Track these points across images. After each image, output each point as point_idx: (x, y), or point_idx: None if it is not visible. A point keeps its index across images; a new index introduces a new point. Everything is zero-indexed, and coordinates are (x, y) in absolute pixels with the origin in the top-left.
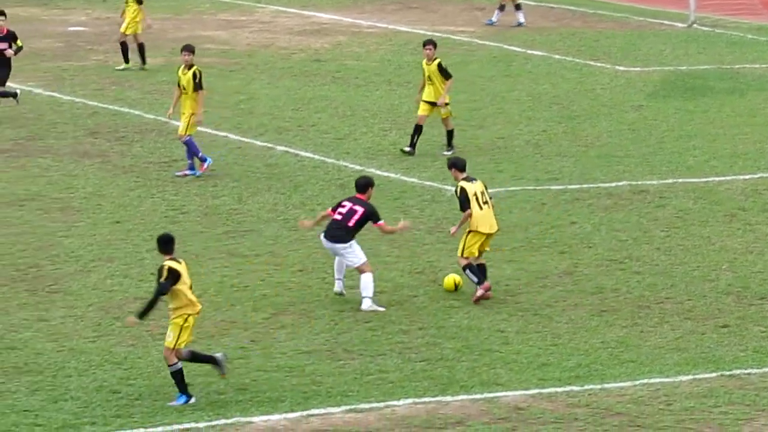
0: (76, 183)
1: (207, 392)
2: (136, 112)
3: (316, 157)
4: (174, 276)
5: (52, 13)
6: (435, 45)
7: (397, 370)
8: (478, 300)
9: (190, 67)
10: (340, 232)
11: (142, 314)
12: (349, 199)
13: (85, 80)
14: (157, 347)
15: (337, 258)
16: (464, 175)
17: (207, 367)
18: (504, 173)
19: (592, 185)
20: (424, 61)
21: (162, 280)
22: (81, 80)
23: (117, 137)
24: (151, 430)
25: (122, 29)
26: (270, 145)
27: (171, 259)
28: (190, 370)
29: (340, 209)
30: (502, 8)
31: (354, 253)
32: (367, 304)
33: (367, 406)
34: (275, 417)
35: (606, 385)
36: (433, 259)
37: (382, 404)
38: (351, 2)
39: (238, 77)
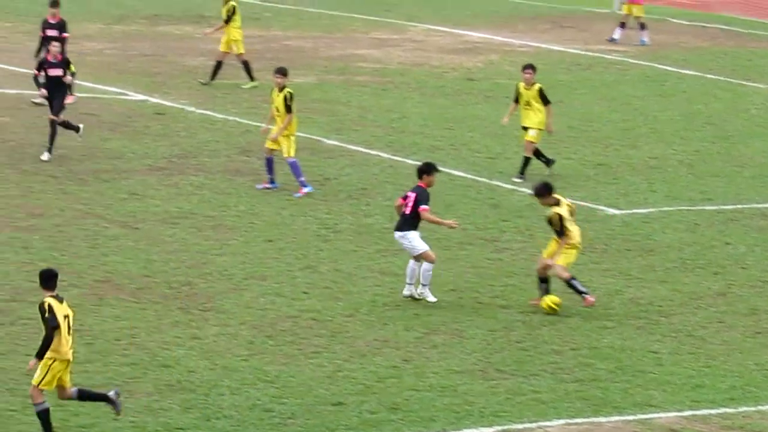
0: (228, 201)
1: (360, 411)
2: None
3: (469, 176)
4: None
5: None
6: (535, 69)
7: (550, 390)
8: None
9: (281, 89)
10: (400, 221)
11: (40, 354)
12: (412, 189)
13: (237, 99)
14: (309, 366)
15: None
16: (552, 199)
17: (359, 386)
18: (657, 193)
19: (746, 206)
20: (522, 85)
21: (47, 315)
22: (234, 99)
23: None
24: None
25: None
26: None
27: (52, 296)
28: (340, 389)
29: (406, 200)
30: (623, 26)
31: (411, 241)
32: (421, 291)
33: (519, 426)
34: None
35: (761, 407)
36: (585, 279)
37: (534, 425)
38: (503, 21)
39: (390, 96)
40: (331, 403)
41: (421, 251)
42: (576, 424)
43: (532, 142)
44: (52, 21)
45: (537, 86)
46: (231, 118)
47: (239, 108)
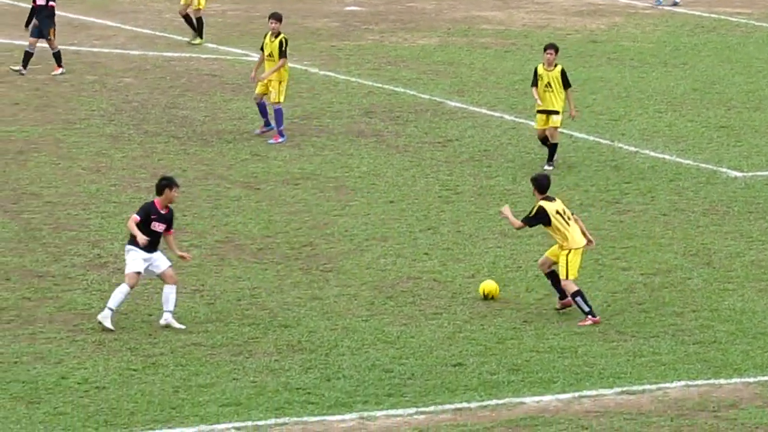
0: (351, 162)
1: (479, 372)
2: (411, 92)
3: (591, 138)
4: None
5: None
6: (557, 50)
7: (670, 352)
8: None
9: (276, 35)
10: None
11: None
12: None
13: (360, 60)
14: (430, 327)
15: None
16: (544, 195)
17: (479, 347)
18: None
19: None
20: (543, 66)
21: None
22: (356, 60)
23: (392, 117)
24: (422, 409)
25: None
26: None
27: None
28: (460, 350)
29: None
30: None
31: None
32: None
33: (639, 387)
34: (547, 398)
35: None
36: (707, 242)
37: (654, 386)
38: None
39: (513, 58)
40: (450, 364)
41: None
42: (696, 385)
43: (557, 128)
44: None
45: (559, 67)
46: (353, 79)
47: (362, 69)
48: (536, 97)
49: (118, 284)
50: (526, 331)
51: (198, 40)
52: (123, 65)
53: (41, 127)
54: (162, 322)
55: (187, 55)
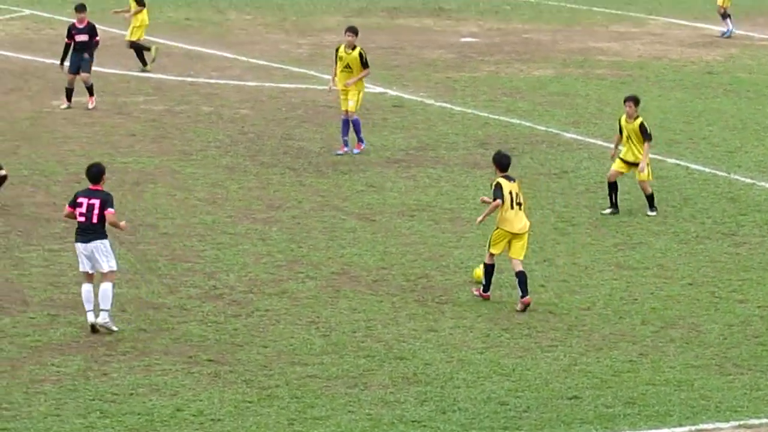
0: (466, 194)
1: (595, 405)
2: (527, 124)
3: (707, 170)
4: None
5: (444, 24)
6: (638, 102)
7: None
8: (480, 295)
9: (353, 47)
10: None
11: None
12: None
13: (476, 91)
14: (545, 359)
15: None
16: (504, 173)
17: (595, 380)
18: None
19: None
20: (624, 119)
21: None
22: (472, 91)
23: (507, 148)
24: None
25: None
26: (660, 157)
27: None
28: (576, 383)
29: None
30: (725, 16)
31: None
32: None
33: (757, 421)
34: (663, 431)
35: None
36: None
37: None
38: (743, 15)
39: (629, 89)
40: (566, 396)
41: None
42: None
43: (645, 182)
44: (80, 26)
45: (639, 120)
46: (469, 110)
47: (477, 100)
48: (613, 149)
49: (234, 316)
50: (642, 364)
51: (148, 66)
52: (239, 96)
53: (158, 158)
54: (99, 321)
55: (303, 86)
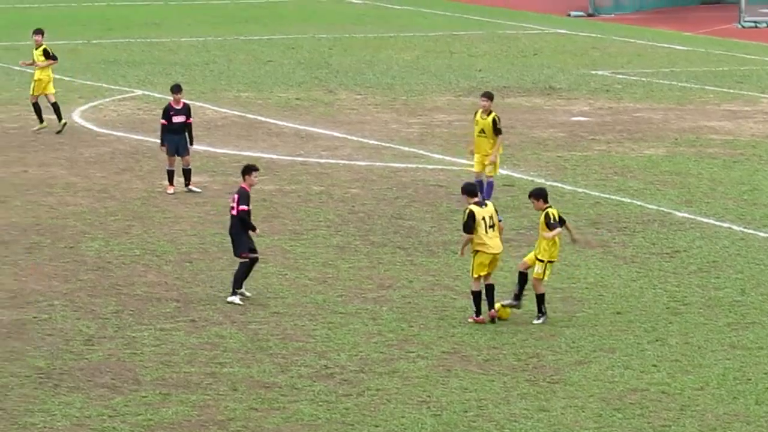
0: (577, 273)
1: None
2: (638, 203)
3: None
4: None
5: (555, 103)
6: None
7: None
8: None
9: (489, 113)
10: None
11: None
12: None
13: (587, 170)
14: None
15: None
16: (475, 200)
17: None
18: None
19: None
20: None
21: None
22: (583, 170)
23: (619, 228)
24: None
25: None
26: None
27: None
28: None
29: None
30: None
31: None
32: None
33: None
34: None
35: None
36: None
37: None
38: None
39: (741, 168)
40: None
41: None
42: None
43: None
44: (176, 107)
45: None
46: (580, 190)
47: (588, 180)
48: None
49: (345, 395)
50: None
51: (60, 125)
52: (349, 176)
53: (268, 238)
54: None
55: (414, 166)
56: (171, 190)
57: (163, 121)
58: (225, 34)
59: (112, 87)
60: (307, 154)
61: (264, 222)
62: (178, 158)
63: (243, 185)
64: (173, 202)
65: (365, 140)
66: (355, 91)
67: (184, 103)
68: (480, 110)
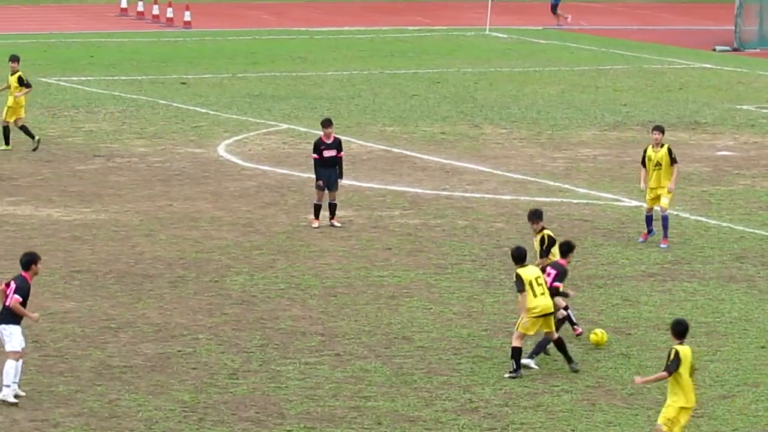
0: (722, 307)
1: None
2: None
3: None
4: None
5: (699, 138)
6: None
7: None
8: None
9: (661, 145)
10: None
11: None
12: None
13: (732, 205)
14: None
15: None
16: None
17: None
18: None
19: None
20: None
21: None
22: (728, 205)
23: (764, 262)
24: None
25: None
26: None
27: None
28: None
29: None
30: None
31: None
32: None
33: None
34: None
35: None
36: None
37: None
38: None
39: None
40: None
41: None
42: None
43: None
44: (327, 141)
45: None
46: (725, 224)
47: (733, 214)
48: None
49: (489, 429)
50: None
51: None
52: (494, 210)
53: (413, 271)
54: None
55: (558, 200)
56: (316, 224)
57: (315, 155)
58: (370, 68)
59: (258, 121)
60: (452, 189)
61: (409, 256)
62: (325, 192)
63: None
64: (318, 236)
65: (510, 174)
66: (500, 125)
67: (335, 137)
68: (651, 145)
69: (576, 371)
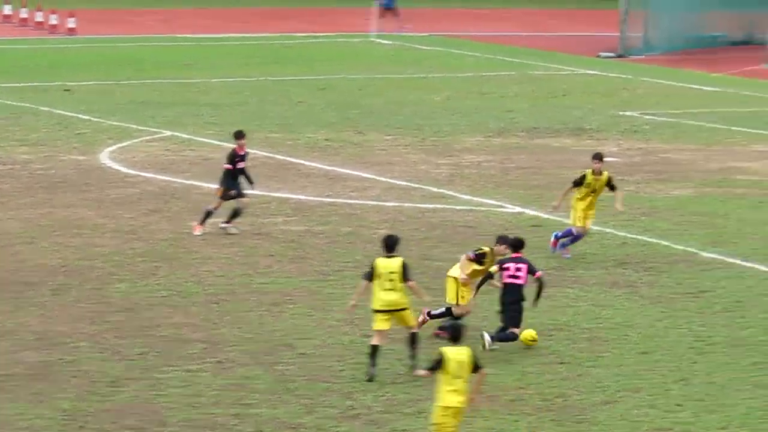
0: (604, 313)
1: None
2: (665, 243)
3: None
4: None
5: (584, 144)
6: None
7: None
8: None
9: (601, 173)
10: None
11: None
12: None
13: (614, 211)
14: None
15: None
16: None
17: None
18: None
19: None
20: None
21: None
22: (611, 210)
23: (645, 268)
24: None
25: None
26: None
27: None
28: None
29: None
30: None
31: None
32: None
33: None
34: None
35: None
36: None
37: None
38: None
39: None
40: None
41: None
42: None
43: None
44: (241, 153)
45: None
46: (608, 230)
47: (616, 220)
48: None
49: None
50: None
51: None
52: (378, 217)
53: (296, 278)
54: None
55: (441, 206)
56: (199, 231)
57: (229, 166)
58: (256, 75)
59: (142, 128)
60: (335, 195)
61: (292, 263)
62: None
63: None
64: (201, 244)
65: (394, 181)
66: (385, 132)
67: (247, 150)
68: (591, 170)
69: (370, 379)
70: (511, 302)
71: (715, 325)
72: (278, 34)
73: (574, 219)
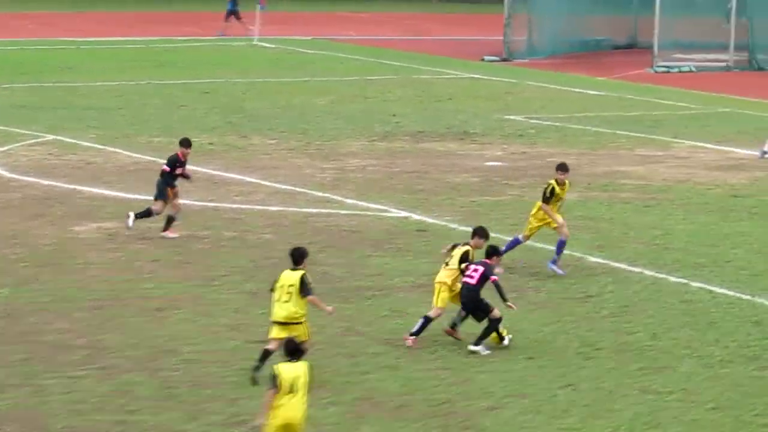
0: None
1: None
2: (551, 248)
3: (731, 293)
4: None
5: (469, 148)
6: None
7: None
8: None
9: (563, 183)
10: None
11: None
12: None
13: (500, 215)
14: None
15: None
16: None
17: None
18: None
19: None
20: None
21: None
22: (497, 215)
23: (532, 272)
24: None
25: None
26: (685, 281)
27: None
28: None
29: None
30: None
31: None
32: None
33: None
34: None
35: None
36: None
37: None
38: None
39: (653, 213)
40: None
41: None
42: None
43: None
44: (183, 159)
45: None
46: (494, 234)
47: (502, 225)
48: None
49: None
50: None
51: None
52: (262, 221)
53: (180, 283)
54: None
55: (326, 211)
56: (174, 234)
57: (167, 168)
58: (139, 79)
59: (23, 132)
60: (219, 200)
61: (176, 268)
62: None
63: None
64: (84, 249)
65: (278, 185)
66: (269, 136)
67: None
68: (555, 182)
69: (255, 382)
70: (464, 303)
71: (601, 330)
72: (161, 38)
73: (528, 228)
